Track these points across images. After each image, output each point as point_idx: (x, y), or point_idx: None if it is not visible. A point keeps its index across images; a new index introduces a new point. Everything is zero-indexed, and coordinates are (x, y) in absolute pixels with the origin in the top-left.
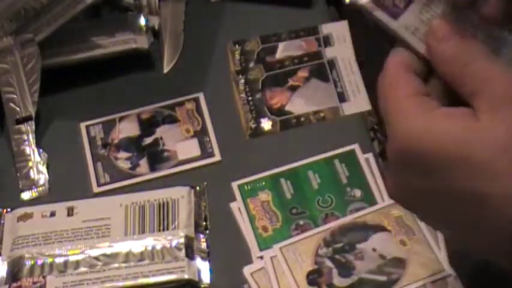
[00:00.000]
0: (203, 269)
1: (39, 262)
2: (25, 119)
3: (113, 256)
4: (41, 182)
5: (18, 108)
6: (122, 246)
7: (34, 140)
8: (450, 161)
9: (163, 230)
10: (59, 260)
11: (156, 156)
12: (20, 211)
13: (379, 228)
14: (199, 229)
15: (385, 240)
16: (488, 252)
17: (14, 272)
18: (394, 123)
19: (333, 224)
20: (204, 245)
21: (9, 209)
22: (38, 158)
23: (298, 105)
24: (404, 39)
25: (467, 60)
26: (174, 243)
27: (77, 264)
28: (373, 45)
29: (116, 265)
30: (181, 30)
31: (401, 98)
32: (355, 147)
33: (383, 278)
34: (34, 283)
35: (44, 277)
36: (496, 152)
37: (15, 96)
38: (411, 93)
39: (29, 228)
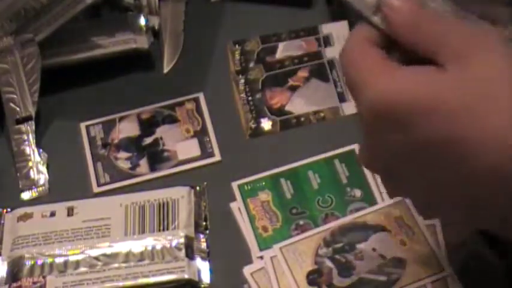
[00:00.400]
0: (203, 269)
1: (39, 262)
2: (25, 119)
3: (113, 256)
4: (41, 182)
5: (18, 108)
6: (122, 246)
7: (34, 140)
8: (425, 113)
9: (163, 230)
10: (59, 260)
11: (156, 156)
12: (20, 211)
13: (379, 228)
14: (199, 229)
15: (385, 240)
16: (470, 210)
17: (14, 272)
18: (364, 89)
19: (333, 224)
20: (204, 245)
21: (9, 209)
22: (38, 158)
23: (298, 105)
24: (367, 17)
25: (424, 22)
26: (174, 243)
27: (77, 264)
28: None
29: (116, 265)
30: (181, 30)
31: (369, 65)
32: (355, 147)
33: (383, 278)
34: (34, 283)
35: (44, 277)
36: (468, 98)
37: (15, 96)
38: (378, 60)
39: (29, 228)
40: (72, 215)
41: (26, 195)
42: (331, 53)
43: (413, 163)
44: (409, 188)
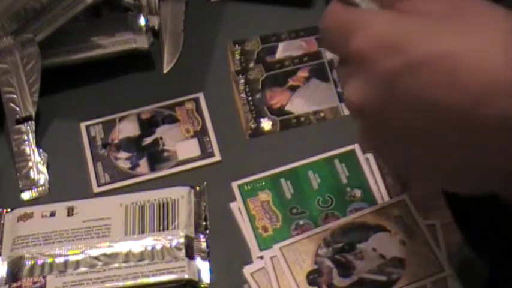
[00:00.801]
0: (203, 269)
1: (39, 262)
2: (25, 119)
3: (113, 256)
4: (41, 182)
5: (18, 108)
6: (122, 246)
7: (34, 140)
8: (425, 32)
9: (163, 230)
10: (59, 260)
11: (156, 156)
12: (20, 211)
13: (379, 228)
14: (199, 229)
15: (385, 240)
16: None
17: (14, 272)
18: (360, 23)
19: (333, 224)
20: (204, 245)
21: (9, 209)
22: (38, 158)
23: (298, 105)
24: None
25: None
26: (174, 243)
27: (77, 264)
28: None
29: (116, 265)
30: (181, 30)
31: (356, 10)
32: (355, 147)
33: (383, 278)
34: (34, 283)
35: (44, 277)
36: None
37: (15, 96)
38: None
39: (29, 228)
40: (72, 215)
41: (26, 195)
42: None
43: (414, 95)
44: (410, 149)
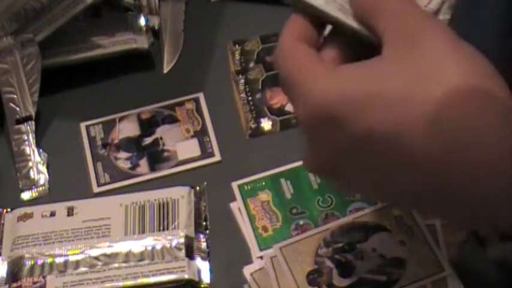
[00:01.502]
0: (203, 269)
1: (39, 262)
2: (25, 119)
3: (113, 256)
4: (41, 182)
5: (18, 108)
6: (122, 246)
7: (34, 140)
8: (359, 109)
9: (163, 230)
10: (59, 260)
11: (156, 156)
12: (20, 211)
13: (379, 228)
14: (199, 229)
15: (385, 240)
16: (416, 198)
17: (14, 272)
18: (302, 91)
19: (333, 224)
20: (204, 245)
21: (9, 209)
22: (38, 158)
23: None
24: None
25: None
26: (174, 243)
27: (77, 264)
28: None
29: (116, 265)
30: (181, 30)
31: (304, 67)
32: None
33: (383, 278)
34: (34, 283)
35: (44, 277)
36: (403, 83)
37: (15, 96)
38: (309, 62)
39: (29, 228)
40: (72, 215)
41: (26, 195)
42: None
43: (357, 160)
44: (358, 184)
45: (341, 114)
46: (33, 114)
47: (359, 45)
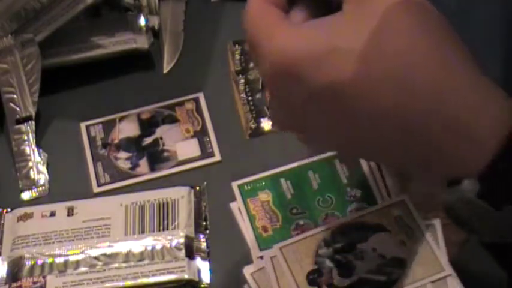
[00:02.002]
0: (203, 269)
1: (39, 262)
2: (25, 119)
3: (113, 256)
4: (41, 182)
5: (18, 108)
6: (122, 246)
7: (34, 140)
8: (314, 64)
9: (163, 230)
10: (59, 260)
11: (156, 156)
12: (20, 211)
13: (379, 228)
14: (199, 229)
15: (385, 240)
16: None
17: (14, 272)
18: (262, 48)
19: (333, 224)
20: (204, 245)
21: (9, 209)
22: (38, 158)
23: None
24: None
25: None
26: (174, 243)
27: (77, 264)
28: None
29: (116, 265)
30: (181, 30)
31: (266, 26)
32: None
33: (383, 278)
34: (34, 283)
35: (44, 277)
36: (358, 39)
37: (15, 96)
38: (275, 20)
39: (29, 228)
40: (72, 215)
41: (26, 195)
42: None
43: (317, 113)
44: (320, 137)
45: (298, 69)
46: (33, 114)
47: (326, 6)
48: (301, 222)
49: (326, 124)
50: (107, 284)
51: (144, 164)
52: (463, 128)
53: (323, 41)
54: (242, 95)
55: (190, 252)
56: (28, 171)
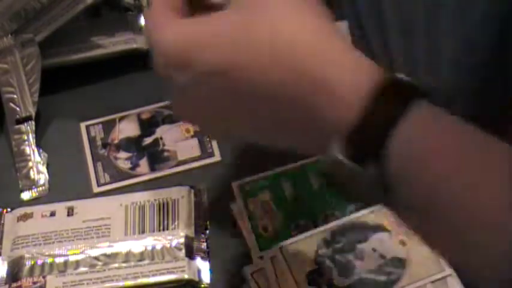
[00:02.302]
0: (203, 269)
1: (39, 262)
2: (25, 119)
3: (113, 256)
4: (41, 182)
5: (18, 108)
6: (122, 246)
7: (34, 140)
8: (197, 51)
9: (163, 230)
10: (59, 260)
11: (156, 156)
12: (20, 211)
13: (379, 228)
14: (199, 229)
15: (385, 240)
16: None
17: (14, 272)
18: (154, 45)
19: (333, 224)
20: (204, 245)
21: (9, 209)
22: (38, 158)
23: None
24: None
25: None
26: (174, 243)
27: (77, 264)
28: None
29: (116, 265)
30: None
31: (163, 22)
32: None
33: (383, 278)
34: (34, 283)
35: (44, 277)
36: (233, 24)
37: (15, 96)
38: (167, 18)
39: (29, 228)
40: (72, 215)
41: (26, 195)
42: None
43: (205, 98)
44: (214, 125)
45: (186, 55)
46: (33, 114)
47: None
48: (301, 222)
49: (212, 109)
50: (107, 284)
51: (144, 164)
52: (329, 87)
53: (206, 29)
54: None
55: (190, 252)
56: (28, 171)
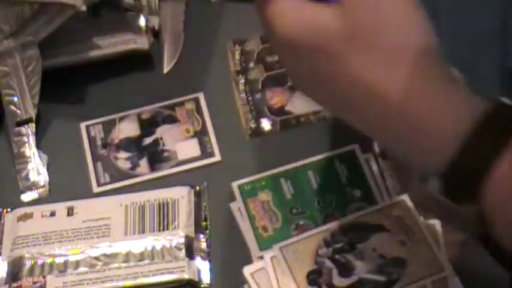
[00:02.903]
0: (203, 269)
1: (39, 262)
2: (25, 121)
3: (113, 256)
4: (41, 183)
5: (18, 111)
6: (122, 246)
7: (34, 142)
8: (314, 49)
9: (163, 230)
10: (59, 260)
11: (156, 156)
12: (20, 211)
13: (379, 228)
14: (199, 229)
15: (385, 240)
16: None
17: (14, 272)
18: (273, 24)
19: (333, 224)
20: (204, 245)
21: (9, 209)
22: (38, 160)
23: (298, 105)
24: None
25: None
26: (174, 243)
27: (77, 264)
28: None
29: (116, 265)
30: (181, 30)
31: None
32: (355, 147)
33: (383, 278)
34: (34, 283)
35: (44, 277)
36: (352, 31)
37: (15, 98)
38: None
39: (29, 228)
40: (72, 215)
41: (26, 197)
42: None
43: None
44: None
45: (299, 48)
46: (34, 116)
47: None
48: (301, 222)
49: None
50: (107, 284)
51: (144, 164)
52: (426, 127)
53: (322, 20)
54: (242, 95)
55: (190, 252)
56: (28, 173)
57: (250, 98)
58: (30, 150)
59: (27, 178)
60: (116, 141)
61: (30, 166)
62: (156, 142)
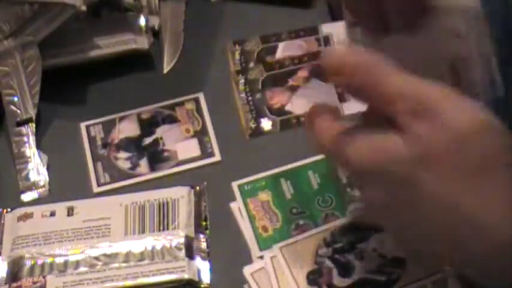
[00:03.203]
0: (203, 269)
1: (39, 262)
2: (25, 121)
3: (113, 256)
4: (41, 183)
5: (18, 111)
6: (122, 246)
7: (34, 142)
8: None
9: (163, 229)
10: (59, 260)
11: (156, 156)
12: (20, 211)
13: (379, 228)
14: (199, 229)
15: (385, 240)
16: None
17: (14, 272)
18: (340, 158)
19: (333, 224)
20: (204, 245)
21: (9, 209)
22: (38, 160)
23: (298, 105)
24: None
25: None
26: (174, 243)
27: (77, 264)
28: None
29: (116, 265)
30: (181, 30)
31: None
32: None
33: (383, 278)
34: (34, 283)
35: (44, 277)
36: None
37: (15, 98)
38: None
39: (29, 228)
40: (72, 215)
41: (26, 197)
42: None
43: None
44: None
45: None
46: (34, 116)
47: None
48: (301, 222)
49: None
50: (107, 284)
51: (144, 164)
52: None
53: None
54: (242, 95)
55: (190, 252)
56: (28, 173)
57: (250, 98)
58: (30, 150)
59: (27, 178)
60: (116, 141)
61: (30, 166)
62: (156, 142)
